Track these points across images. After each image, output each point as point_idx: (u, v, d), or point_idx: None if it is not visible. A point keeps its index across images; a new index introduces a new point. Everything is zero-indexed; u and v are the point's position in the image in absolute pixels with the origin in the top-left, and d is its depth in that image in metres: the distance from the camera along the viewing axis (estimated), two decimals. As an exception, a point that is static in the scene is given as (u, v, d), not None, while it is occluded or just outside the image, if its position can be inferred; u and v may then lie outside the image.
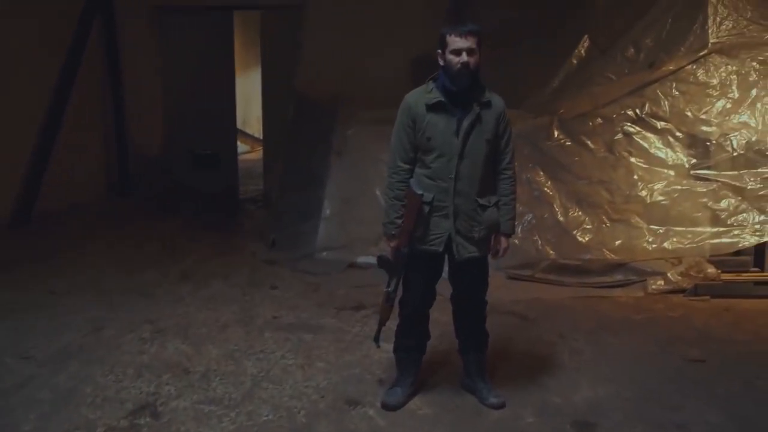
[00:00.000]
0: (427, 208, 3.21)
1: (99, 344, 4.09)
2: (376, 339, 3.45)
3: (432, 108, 3.17)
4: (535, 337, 4.27)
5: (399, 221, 3.26)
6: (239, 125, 11.76)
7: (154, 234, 6.66)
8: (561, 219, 5.36)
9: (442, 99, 3.15)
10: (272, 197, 7.07)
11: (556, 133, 5.54)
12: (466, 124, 3.16)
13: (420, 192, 3.19)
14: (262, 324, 4.46)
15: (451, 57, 3.10)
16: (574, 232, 5.31)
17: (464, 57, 3.07)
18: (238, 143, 11.78)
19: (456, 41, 3.08)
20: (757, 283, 5.09)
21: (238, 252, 6.14)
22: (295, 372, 3.74)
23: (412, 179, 3.25)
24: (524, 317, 4.61)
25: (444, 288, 3.46)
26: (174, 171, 8.29)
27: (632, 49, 5.59)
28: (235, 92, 8.34)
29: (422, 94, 3.21)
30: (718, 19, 5.48)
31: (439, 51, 3.17)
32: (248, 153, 11.92)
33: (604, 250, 5.24)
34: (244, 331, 4.33)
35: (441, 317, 3.72)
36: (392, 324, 3.44)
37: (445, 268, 3.38)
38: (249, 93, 11.27)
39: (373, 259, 5.57)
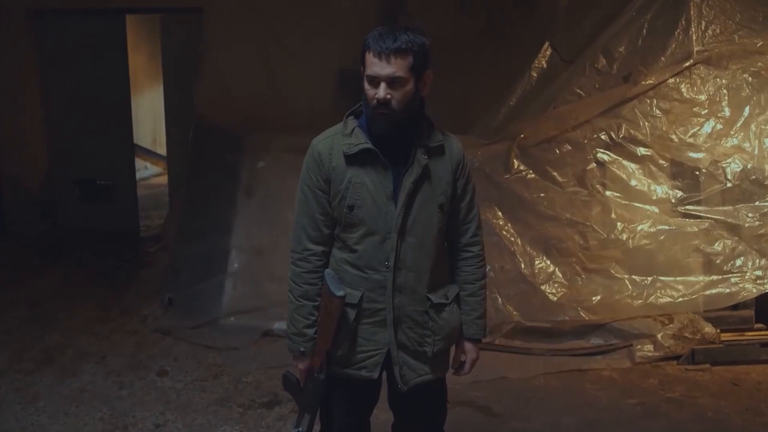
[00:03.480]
0: (352, 314, 2.12)
1: None
2: None
3: (355, 160, 2.08)
4: (506, 445, 3.23)
5: (311, 332, 2.16)
6: (148, 145, 10.52)
7: (22, 292, 5.32)
8: (525, 271, 4.33)
9: (370, 145, 2.07)
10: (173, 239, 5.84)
11: (515, 164, 4.50)
12: (408, 182, 2.08)
13: (340, 293, 2.08)
14: (137, 439, 3.28)
15: (365, 86, 2.05)
16: (543, 287, 4.30)
17: (381, 91, 2.00)
18: (148, 165, 10.55)
19: (373, 63, 2.00)
20: (765, 344, 4.18)
21: (125, 316, 4.89)
22: None
23: (328, 270, 2.15)
24: (488, 411, 3.56)
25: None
26: (59, 206, 6.97)
27: (603, 60, 4.60)
28: (131, 110, 7.11)
29: (338, 138, 2.11)
30: (702, 23, 4.55)
31: (362, 68, 2.08)
32: (160, 176, 10.58)
33: (579, 309, 4.24)
34: (112, 453, 3.16)
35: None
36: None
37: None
38: (159, 108, 10.02)
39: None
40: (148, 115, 10.43)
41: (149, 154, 10.39)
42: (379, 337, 2.14)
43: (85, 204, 7.03)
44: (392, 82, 1.99)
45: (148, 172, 10.44)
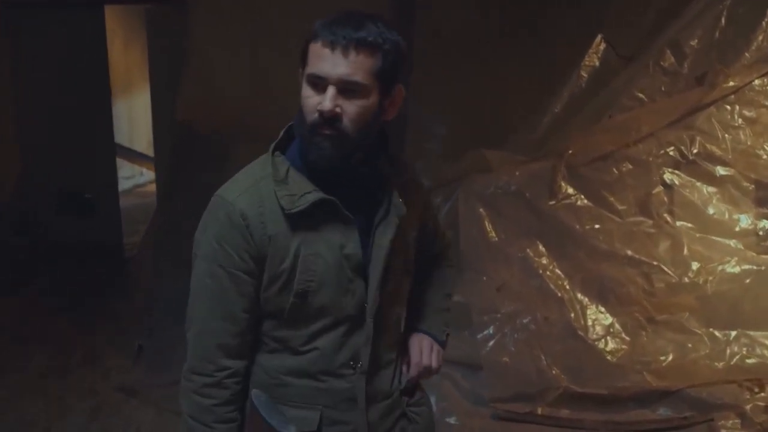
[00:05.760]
0: None
1: None
2: None
3: (302, 219, 1.41)
4: None
5: None
6: (144, 148, 9.75)
7: (-27, 330, 4.55)
8: (576, 323, 3.47)
9: (323, 194, 1.40)
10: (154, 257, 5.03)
11: (563, 187, 3.62)
12: (385, 241, 1.47)
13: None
14: None
15: (304, 94, 1.37)
16: (597, 343, 3.43)
17: (328, 100, 1.33)
18: (144, 170, 9.78)
19: (321, 58, 1.34)
20: None
21: (86, 367, 4.07)
22: None
23: (256, 391, 1.47)
24: None
25: None
26: (35, 219, 6.21)
27: (671, 56, 3.71)
28: (111, 112, 6.37)
29: (267, 189, 1.42)
30: (797, 10, 3.67)
31: (300, 69, 1.41)
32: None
33: (644, 372, 3.37)
34: None
35: None
36: None
37: None
38: (155, 108, 9.28)
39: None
40: (144, 116, 9.66)
41: (145, 159, 9.60)
42: None
43: (62, 217, 6.26)
44: (346, 89, 1.34)
45: (144, 178, 9.67)
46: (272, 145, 1.46)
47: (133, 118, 9.49)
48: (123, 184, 8.85)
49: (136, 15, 8.81)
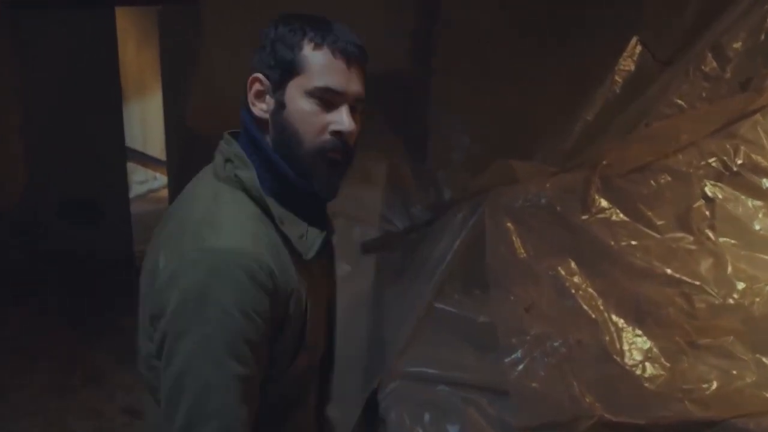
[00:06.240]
0: None
1: None
2: None
3: (306, 266, 1.27)
4: None
5: None
6: (158, 153, 9.62)
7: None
8: (610, 347, 3.22)
9: (322, 233, 1.29)
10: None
11: (596, 200, 3.38)
12: (334, 276, 1.47)
13: None
14: None
15: (306, 108, 1.20)
16: (634, 369, 3.18)
17: (350, 122, 1.22)
18: (157, 175, 9.64)
19: (336, 70, 1.20)
20: None
21: (89, 386, 3.91)
22: None
23: None
24: None
25: None
26: (41, 228, 6.06)
27: (713, 61, 3.46)
28: (122, 116, 6.24)
29: (270, 231, 1.21)
30: None
31: (261, 77, 1.26)
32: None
33: (686, 400, 3.12)
34: None
35: None
36: None
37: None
38: (169, 112, 9.11)
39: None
40: (158, 119, 9.54)
41: (159, 163, 9.46)
42: None
43: (69, 225, 6.11)
44: (354, 107, 1.24)
45: (158, 182, 9.53)
46: (252, 175, 1.21)
47: (147, 121, 9.36)
48: (136, 189, 8.72)
49: (149, 16, 8.68)
